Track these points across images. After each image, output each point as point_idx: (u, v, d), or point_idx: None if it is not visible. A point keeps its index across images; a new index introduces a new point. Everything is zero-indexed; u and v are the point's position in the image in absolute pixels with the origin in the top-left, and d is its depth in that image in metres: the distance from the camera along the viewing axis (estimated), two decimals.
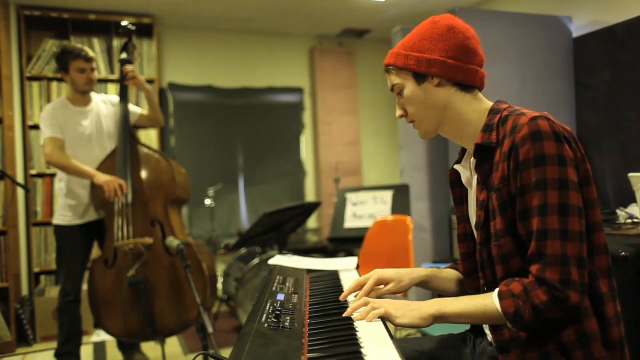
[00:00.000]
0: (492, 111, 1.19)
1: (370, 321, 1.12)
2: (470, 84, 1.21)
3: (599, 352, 1.06)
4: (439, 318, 1.11)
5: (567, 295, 1.00)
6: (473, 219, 1.25)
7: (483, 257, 1.17)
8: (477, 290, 1.28)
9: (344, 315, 1.17)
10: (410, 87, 1.23)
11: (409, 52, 1.22)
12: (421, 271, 1.36)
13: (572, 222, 1.03)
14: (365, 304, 1.16)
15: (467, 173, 1.28)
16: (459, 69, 1.19)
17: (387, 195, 4.04)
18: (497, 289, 1.09)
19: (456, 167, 1.31)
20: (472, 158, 1.20)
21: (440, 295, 1.34)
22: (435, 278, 1.37)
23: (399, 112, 1.29)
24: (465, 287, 1.34)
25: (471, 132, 1.21)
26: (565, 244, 1.02)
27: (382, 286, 1.31)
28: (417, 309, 1.12)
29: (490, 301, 1.08)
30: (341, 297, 1.32)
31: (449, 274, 1.41)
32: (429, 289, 1.39)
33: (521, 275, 1.08)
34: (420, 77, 1.21)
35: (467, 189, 1.31)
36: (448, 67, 1.19)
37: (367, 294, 1.28)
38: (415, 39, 1.23)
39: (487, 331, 1.26)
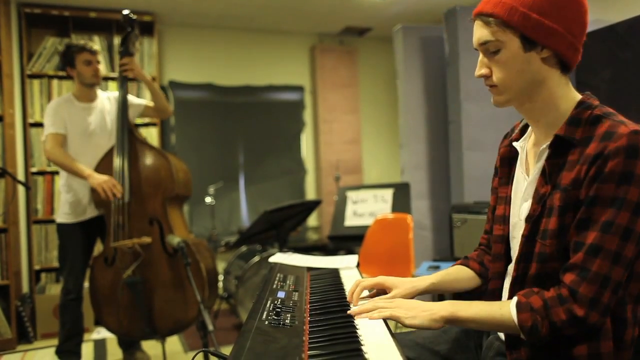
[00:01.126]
0: (582, 104, 1.09)
1: (372, 319, 1.12)
2: (573, 64, 1.10)
3: None
4: (452, 321, 1.09)
5: (588, 314, 0.99)
6: (519, 206, 1.19)
7: (523, 252, 1.12)
8: (499, 275, 1.25)
9: (348, 312, 1.16)
10: (512, 50, 1.07)
11: (528, 10, 1.04)
12: (428, 279, 1.30)
13: (629, 249, 0.99)
14: (375, 308, 1.14)
15: (523, 154, 1.21)
16: (573, 47, 1.07)
17: (388, 193, 4.04)
18: (515, 299, 1.06)
19: (515, 144, 1.22)
20: (542, 147, 1.11)
21: (456, 297, 1.31)
22: (443, 283, 1.32)
23: (483, 71, 1.13)
24: (490, 271, 1.29)
25: (553, 118, 1.11)
26: (613, 267, 0.99)
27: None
28: (429, 310, 1.09)
29: (507, 311, 1.05)
30: (349, 298, 1.27)
31: (459, 274, 1.37)
32: (441, 292, 1.37)
33: (552, 279, 1.06)
34: (530, 44, 1.06)
35: (514, 170, 1.24)
36: (566, 43, 1.06)
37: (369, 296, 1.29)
38: None
39: None
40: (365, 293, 1.33)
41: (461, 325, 1.10)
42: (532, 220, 1.10)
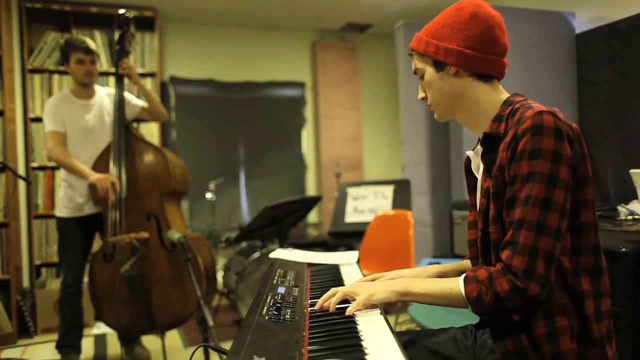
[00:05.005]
0: (506, 103, 1.21)
1: (365, 311, 1.14)
2: (488, 74, 1.22)
3: (565, 345, 1.07)
4: (405, 295, 1.15)
5: (528, 285, 1.03)
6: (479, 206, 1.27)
7: (484, 244, 1.19)
8: None
9: (315, 308, 1.20)
10: (429, 72, 1.25)
11: (429, 38, 1.24)
12: (436, 268, 1.39)
13: (551, 218, 1.05)
14: (334, 294, 1.19)
15: (477, 160, 1.29)
16: (477, 59, 1.20)
17: (388, 190, 4.04)
18: (464, 274, 1.13)
19: (468, 153, 1.33)
20: (479, 146, 1.22)
21: None
22: (452, 272, 1.39)
23: (420, 95, 1.31)
24: None
25: (484, 122, 1.23)
26: (539, 236, 1.04)
27: None
28: (388, 285, 1.17)
29: (455, 284, 1.12)
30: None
31: (462, 267, 1.41)
32: None
33: None
34: (438, 65, 1.23)
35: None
36: (465, 58, 1.19)
37: None
38: (437, 26, 1.24)
39: None
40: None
41: (414, 299, 1.16)
42: (483, 213, 1.19)
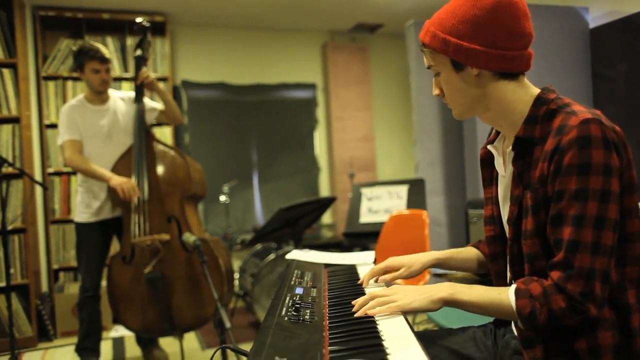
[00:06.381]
0: (539, 101, 1.10)
1: (390, 314, 1.11)
2: (514, 71, 1.11)
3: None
4: (450, 303, 1.09)
5: (587, 307, 0.98)
6: (504, 210, 1.22)
7: (513, 253, 1.14)
8: (501, 275, 1.27)
9: (354, 309, 1.15)
10: (447, 72, 1.13)
11: (446, 35, 1.10)
12: (434, 254, 1.37)
13: (606, 236, 0.99)
14: (372, 298, 1.14)
15: (500, 156, 1.22)
16: (503, 58, 1.08)
17: (403, 190, 4.03)
18: (514, 285, 1.06)
19: (490, 147, 1.24)
20: (510, 149, 1.14)
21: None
22: (451, 260, 1.37)
23: (435, 91, 1.20)
24: (490, 271, 1.32)
25: (513, 121, 1.13)
26: (595, 258, 0.99)
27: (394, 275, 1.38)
28: (427, 293, 1.10)
29: (505, 296, 1.06)
30: (360, 282, 1.41)
31: (469, 253, 1.40)
32: (448, 268, 1.41)
33: (545, 277, 1.05)
34: (458, 66, 1.11)
35: (497, 171, 1.25)
36: (490, 58, 1.08)
37: (379, 277, 1.38)
38: (454, 20, 1.09)
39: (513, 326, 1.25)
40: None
41: (459, 307, 1.10)
42: (513, 222, 1.13)
